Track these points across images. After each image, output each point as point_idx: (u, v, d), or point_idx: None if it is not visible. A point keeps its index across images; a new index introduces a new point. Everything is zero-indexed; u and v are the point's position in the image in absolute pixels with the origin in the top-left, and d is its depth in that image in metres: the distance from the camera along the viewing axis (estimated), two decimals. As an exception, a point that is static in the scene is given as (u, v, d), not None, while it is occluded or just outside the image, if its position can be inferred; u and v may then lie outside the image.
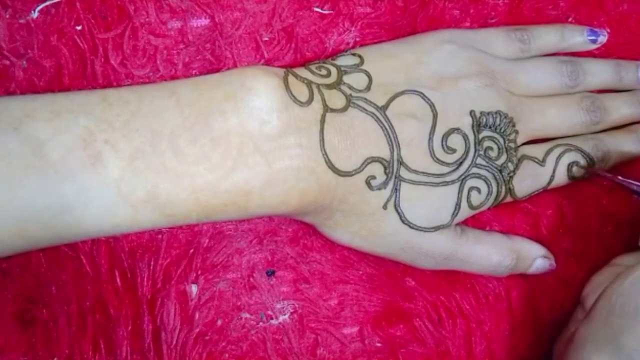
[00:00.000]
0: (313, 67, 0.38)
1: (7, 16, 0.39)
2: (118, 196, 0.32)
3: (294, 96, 0.35)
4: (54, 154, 0.31)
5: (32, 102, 0.32)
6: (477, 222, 0.43)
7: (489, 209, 0.41)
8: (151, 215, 0.33)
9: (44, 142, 0.31)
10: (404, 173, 0.37)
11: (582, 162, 0.42)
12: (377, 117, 0.37)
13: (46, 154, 0.31)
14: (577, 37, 0.44)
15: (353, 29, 0.43)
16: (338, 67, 0.38)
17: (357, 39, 0.43)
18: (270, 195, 0.34)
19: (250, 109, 0.34)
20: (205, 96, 0.34)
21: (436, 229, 0.38)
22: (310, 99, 0.35)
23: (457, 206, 0.39)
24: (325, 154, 0.35)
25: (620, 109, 0.44)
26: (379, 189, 0.37)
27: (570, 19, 0.45)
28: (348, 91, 0.37)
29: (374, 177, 0.36)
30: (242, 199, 0.34)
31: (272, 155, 0.34)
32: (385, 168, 0.36)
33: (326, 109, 0.36)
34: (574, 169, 0.42)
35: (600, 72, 0.44)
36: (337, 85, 0.37)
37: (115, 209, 0.32)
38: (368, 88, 0.37)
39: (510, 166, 0.40)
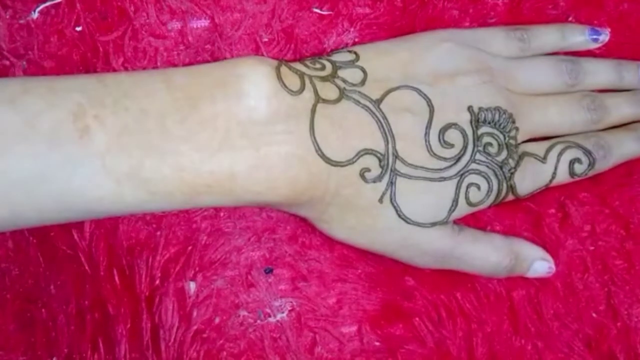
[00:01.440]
0: (307, 62, 0.38)
1: (7, 17, 0.39)
2: (102, 169, 0.32)
3: (284, 84, 0.35)
4: (44, 125, 0.31)
5: (31, 81, 0.33)
6: (478, 221, 0.43)
7: (489, 207, 0.41)
8: (134, 191, 0.33)
9: (36, 114, 0.31)
10: (399, 167, 0.37)
11: (584, 159, 0.42)
12: (371, 110, 0.37)
13: (37, 125, 0.31)
14: (578, 37, 0.44)
15: (352, 29, 0.43)
16: (333, 62, 0.38)
17: (356, 40, 0.43)
18: (256, 181, 0.34)
19: (240, 95, 0.34)
20: (197, 82, 0.35)
21: (433, 224, 0.38)
22: (302, 88, 0.35)
23: (455, 202, 0.38)
24: (315, 141, 0.35)
25: (620, 108, 0.44)
26: (374, 181, 0.36)
27: (570, 19, 0.45)
28: (342, 84, 0.37)
29: (368, 170, 0.36)
30: (227, 181, 0.34)
31: (260, 140, 0.34)
32: (380, 161, 0.36)
33: (318, 99, 0.36)
34: (576, 165, 0.41)
35: (601, 71, 0.44)
36: (330, 78, 0.37)
37: (99, 182, 0.32)
38: (363, 83, 0.37)
39: (511, 163, 0.39)
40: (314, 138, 0.35)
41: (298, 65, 0.37)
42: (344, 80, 0.37)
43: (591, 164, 0.42)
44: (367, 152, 0.36)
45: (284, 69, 0.36)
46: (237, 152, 0.34)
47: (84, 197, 0.32)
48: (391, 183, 0.37)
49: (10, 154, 0.31)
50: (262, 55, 0.42)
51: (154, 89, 0.34)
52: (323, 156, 0.35)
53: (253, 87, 0.34)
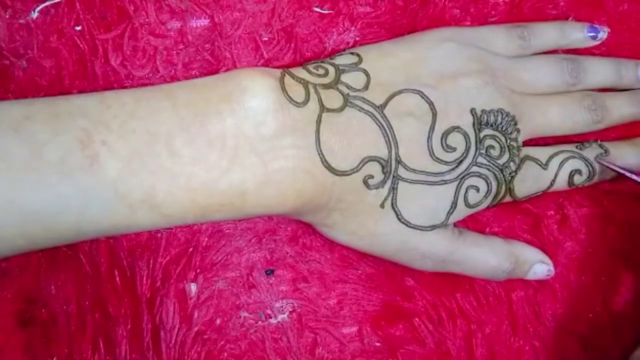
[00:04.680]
0: (310, 67, 0.38)
1: (7, 16, 0.39)
2: (115, 196, 0.32)
3: (289, 97, 0.35)
4: (52, 155, 0.31)
5: (32, 105, 0.33)
6: (477, 223, 0.43)
7: (487, 208, 0.41)
8: (148, 215, 0.33)
9: (43, 144, 0.31)
10: (402, 172, 0.37)
11: (584, 170, 0.42)
12: (375, 117, 0.37)
13: (45, 155, 0.31)
14: (577, 34, 0.44)
15: (353, 28, 0.43)
16: (336, 66, 0.38)
17: (357, 39, 0.43)
18: (266, 196, 0.34)
19: (246, 110, 0.34)
20: (202, 98, 0.34)
21: (433, 227, 0.38)
22: (307, 99, 0.35)
23: (454, 204, 0.38)
24: (322, 154, 0.35)
25: (621, 108, 0.44)
26: (377, 188, 0.37)
27: (570, 19, 0.45)
28: (345, 90, 0.37)
29: (371, 177, 0.36)
30: (238, 199, 0.34)
31: (268, 155, 0.34)
32: (383, 167, 0.36)
33: (322, 108, 0.35)
34: (575, 177, 0.42)
35: (601, 70, 0.44)
36: (334, 84, 0.37)
37: (113, 210, 0.32)
38: (366, 87, 0.37)
39: (512, 166, 0.40)
40: (320, 150, 0.35)
41: (301, 73, 0.37)
42: (348, 86, 0.37)
43: (590, 176, 0.42)
44: (371, 159, 0.36)
45: (287, 79, 0.36)
46: (247, 170, 0.34)
47: (99, 224, 0.33)
48: (393, 188, 0.37)
49: (21, 186, 0.30)
50: (262, 55, 0.41)
51: (159, 107, 0.34)
52: (329, 167, 0.35)
53: (259, 101, 0.34)
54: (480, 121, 0.39)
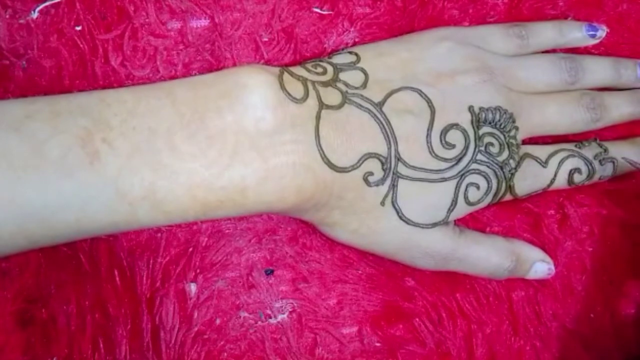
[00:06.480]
0: (309, 66, 0.38)
1: (7, 16, 0.39)
2: (116, 194, 0.32)
3: (288, 93, 0.35)
4: (53, 153, 0.31)
5: (32, 104, 0.33)
6: (477, 222, 0.43)
7: (488, 206, 0.41)
8: (149, 212, 0.33)
9: (43, 142, 0.31)
10: (401, 169, 0.37)
11: (584, 169, 0.42)
12: (374, 113, 0.37)
13: (45, 153, 0.31)
14: (576, 33, 0.44)
15: (352, 29, 0.43)
16: (334, 65, 0.38)
17: (357, 40, 0.43)
18: (266, 192, 0.34)
19: (245, 106, 0.34)
20: (201, 95, 0.34)
21: (434, 225, 0.38)
22: (305, 96, 0.35)
23: (454, 202, 0.38)
24: (321, 149, 0.35)
25: (620, 107, 0.44)
26: (377, 185, 0.37)
27: (569, 19, 0.45)
28: (344, 88, 0.37)
29: (371, 174, 0.36)
30: (238, 195, 0.34)
31: (268, 151, 0.34)
32: (382, 164, 0.36)
33: (322, 105, 0.36)
34: (575, 175, 0.42)
35: (599, 69, 0.44)
36: (333, 82, 0.37)
37: (113, 207, 0.32)
38: (364, 85, 0.38)
39: (512, 163, 0.40)
40: (320, 146, 0.35)
41: (300, 71, 0.37)
42: (346, 84, 0.37)
43: (590, 175, 0.42)
44: (370, 155, 0.36)
45: (286, 77, 0.36)
46: (247, 166, 0.34)
47: (99, 222, 0.32)
48: (393, 185, 0.37)
49: (22, 184, 0.30)
50: (262, 55, 0.42)
51: (159, 105, 0.34)
52: (329, 163, 0.35)
53: (258, 97, 0.34)
54: (478, 119, 0.39)
